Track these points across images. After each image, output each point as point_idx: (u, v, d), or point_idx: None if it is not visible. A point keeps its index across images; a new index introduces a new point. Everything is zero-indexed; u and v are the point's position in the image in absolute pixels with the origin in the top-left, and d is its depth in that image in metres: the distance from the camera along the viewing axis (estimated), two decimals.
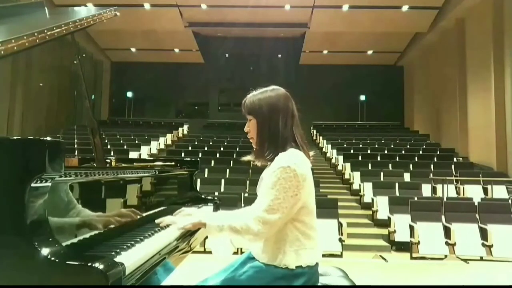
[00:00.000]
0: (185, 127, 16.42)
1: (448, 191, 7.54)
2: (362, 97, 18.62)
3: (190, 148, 11.61)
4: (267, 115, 1.53)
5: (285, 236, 1.44)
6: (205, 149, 11.41)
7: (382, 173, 8.83)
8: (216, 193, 6.71)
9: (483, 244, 5.51)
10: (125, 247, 1.40)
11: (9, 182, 1.11)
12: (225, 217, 1.48)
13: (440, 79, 13.88)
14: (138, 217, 1.81)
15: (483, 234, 5.58)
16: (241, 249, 5.27)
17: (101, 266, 1.07)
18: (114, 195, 1.73)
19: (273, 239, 1.45)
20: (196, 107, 19.98)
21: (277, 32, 16.35)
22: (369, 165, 9.57)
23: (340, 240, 5.54)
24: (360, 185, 8.30)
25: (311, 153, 1.57)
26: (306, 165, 1.48)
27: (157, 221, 1.66)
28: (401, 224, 6.12)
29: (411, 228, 5.78)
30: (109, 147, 10.21)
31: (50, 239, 1.13)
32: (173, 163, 2.68)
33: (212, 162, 9.66)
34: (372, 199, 7.36)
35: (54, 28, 1.80)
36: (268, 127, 1.52)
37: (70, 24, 1.94)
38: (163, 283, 1.82)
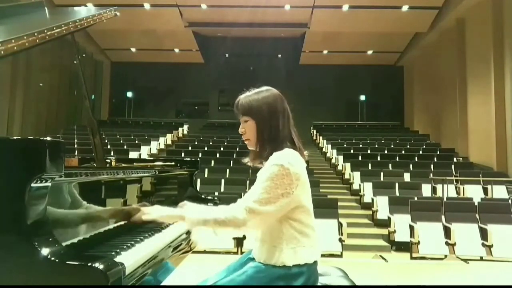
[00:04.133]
0: (185, 127, 16.40)
1: (448, 191, 7.54)
2: (362, 97, 18.62)
3: (190, 148, 11.60)
4: (267, 116, 1.52)
5: (281, 234, 1.44)
6: (205, 149, 11.40)
7: (382, 173, 8.83)
8: (216, 193, 6.70)
9: (483, 244, 5.51)
10: (125, 247, 1.41)
11: (9, 182, 1.11)
12: (207, 210, 1.49)
13: (440, 79, 13.87)
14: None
15: (483, 234, 5.58)
16: (241, 249, 5.28)
17: (101, 266, 1.07)
18: (114, 195, 1.73)
19: (269, 238, 1.46)
20: (196, 107, 19.95)
21: (277, 32, 16.33)
22: (369, 165, 9.57)
23: (340, 240, 5.53)
24: (360, 185, 8.30)
25: (306, 152, 1.58)
26: (301, 164, 1.48)
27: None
28: (401, 224, 6.12)
29: (411, 228, 5.78)
30: (109, 147, 10.20)
31: (50, 239, 1.13)
32: (173, 163, 2.69)
33: (212, 162, 9.65)
34: (372, 199, 7.36)
35: (54, 28, 1.80)
36: (269, 128, 1.51)
37: (70, 24, 1.95)
38: (163, 283, 1.82)
